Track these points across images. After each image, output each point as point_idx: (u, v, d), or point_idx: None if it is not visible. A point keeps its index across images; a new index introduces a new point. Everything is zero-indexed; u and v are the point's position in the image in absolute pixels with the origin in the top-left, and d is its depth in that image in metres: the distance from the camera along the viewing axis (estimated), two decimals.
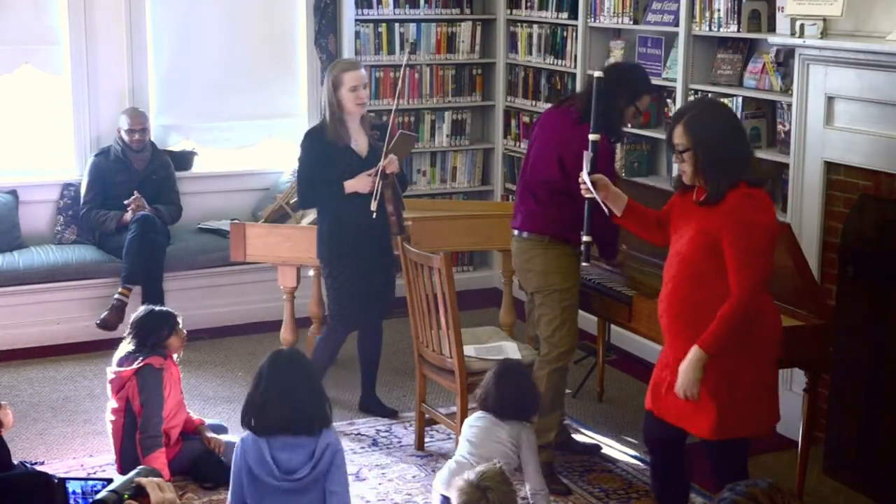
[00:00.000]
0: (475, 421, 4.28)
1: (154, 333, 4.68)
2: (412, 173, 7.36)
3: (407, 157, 5.36)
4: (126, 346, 4.69)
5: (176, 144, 7.07)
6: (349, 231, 5.18)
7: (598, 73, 4.23)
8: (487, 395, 4.26)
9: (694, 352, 3.70)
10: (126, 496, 2.35)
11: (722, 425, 3.77)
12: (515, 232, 4.81)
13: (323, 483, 3.68)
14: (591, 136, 4.07)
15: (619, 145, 5.08)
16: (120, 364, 4.65)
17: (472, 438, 4.22)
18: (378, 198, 5.07)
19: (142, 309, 4.78)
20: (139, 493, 2.38)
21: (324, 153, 5.18)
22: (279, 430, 3.66)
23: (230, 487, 3.76)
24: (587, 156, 4.05)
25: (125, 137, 6.51)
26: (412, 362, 5.19)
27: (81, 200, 6.57)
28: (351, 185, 5.13)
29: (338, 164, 5.18)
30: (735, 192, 3.68)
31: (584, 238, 4.09)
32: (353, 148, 5.18)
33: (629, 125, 4.94)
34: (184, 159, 7.02)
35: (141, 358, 4.60)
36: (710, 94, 5.77)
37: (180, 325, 4.78)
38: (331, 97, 5.17)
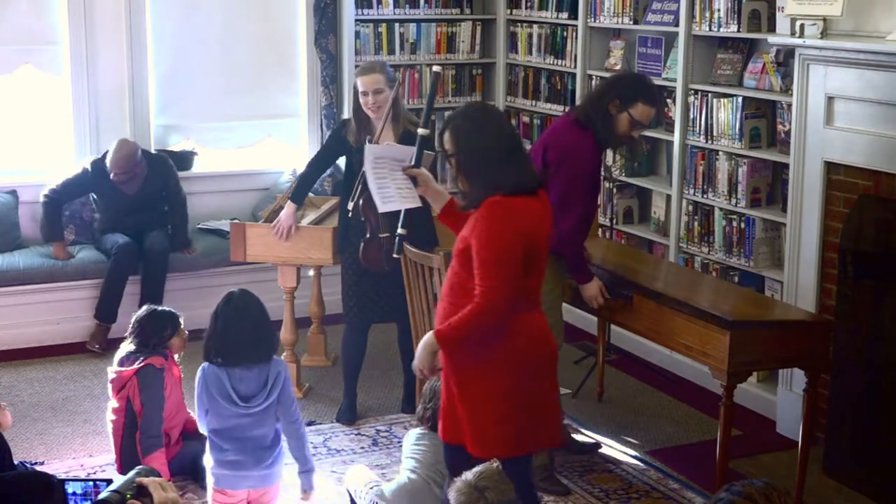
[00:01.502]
0: (419, 439, 4.18)
1: (156, 334, 4.68)
2: None
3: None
4: (127, 346, 4.69)
5: (176, 144, 7.07)
6: (353, 229, 5.22)
7: (436, 68, 4.30)
8: (433, 413, 4.13)
9: (428, 335, 3.63)
10: (129, 496, 2.35)
11: (478, 443, 3.65)
12: None
13: (274, 412, 4.17)
14: (420, 131, 4.05)
15: (615, 151, 5.01)
16: (121, 364, 4.64)
17: (421, 458, 4.11)
18: (355, 199, 5.09)
19: (144, 309, 4.78)
20: (141, 492, 2.37)
21: (336, 145, 5.41)
22: (236, 359, 4.11)
23: (196, 403, 4.20)
24: (399, 148, 4.10)
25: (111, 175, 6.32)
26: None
27: (51, 186, 6.41)
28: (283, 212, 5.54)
29: (350, 160, 5.28)
30: (490, 200, 3.54)
31: (399, 230, 4.08)
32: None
33: (633, 136, 4.70)
34: (184, 159, 7.01)
35: (142, 358, 4.60)
36: (710, 94, 5.78)
37: (182, 326, 4.78)
38: (354, 99, 5.26)
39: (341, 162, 5.48)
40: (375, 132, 5.18)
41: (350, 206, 5.13)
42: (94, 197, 6.57)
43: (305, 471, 4.32)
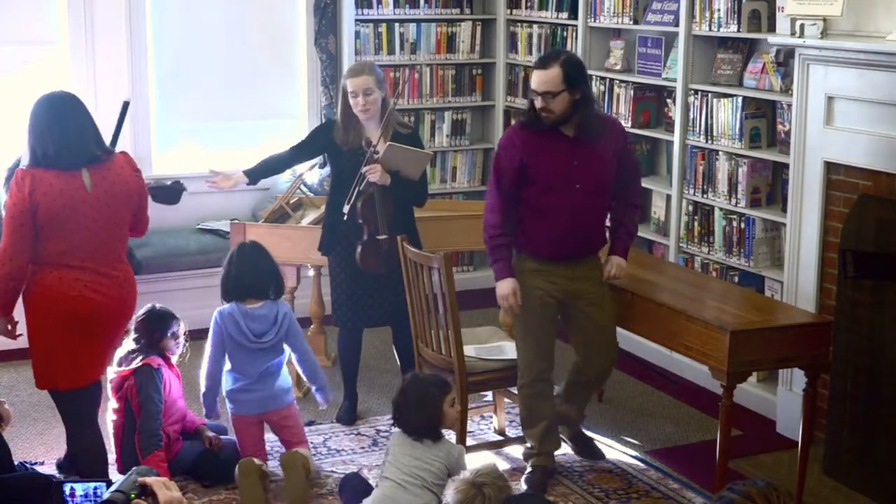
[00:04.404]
0: (393, 439, 4.18)
1: (154, 333, 4.69)
2: None
3: (412, 170, 5.18)
4: (126, 346, 4.69)
5: (176, 144, 7.07)
6: (343, 230, 5.21)
7: (126, 98, 4.82)
8: (400, 415, 4.14)
9: None
10: (133, 496, 2.34)
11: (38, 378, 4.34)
12: None
13: (282, 345, 4.72)
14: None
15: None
16: (120, 364, 4.65)
17: (392, 461, 4.10)
18: (351, 201, 5.07)
19: (142, 309, 4.78)
20: (145, 492, 2.37)
21: (320, 140, 5.34)
22: (247, 293, 4.64)
23: (210, 351, 4.68)
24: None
25: None
26: None
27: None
28: None
29: (336, 161, 5.26)
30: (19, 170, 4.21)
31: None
32: (360, 150, 5.15)
33: (535, 102, 4.53)
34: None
35: (140, 358, 4.60)
36: (710, 94, 5.78)
37: (181, 326, 4.79)
38: (342, 100, 5.22)
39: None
40: (365, 134, 5.15)
41: (346, 208, 5.08)
42: None
43: (319, 388, 4.83)
